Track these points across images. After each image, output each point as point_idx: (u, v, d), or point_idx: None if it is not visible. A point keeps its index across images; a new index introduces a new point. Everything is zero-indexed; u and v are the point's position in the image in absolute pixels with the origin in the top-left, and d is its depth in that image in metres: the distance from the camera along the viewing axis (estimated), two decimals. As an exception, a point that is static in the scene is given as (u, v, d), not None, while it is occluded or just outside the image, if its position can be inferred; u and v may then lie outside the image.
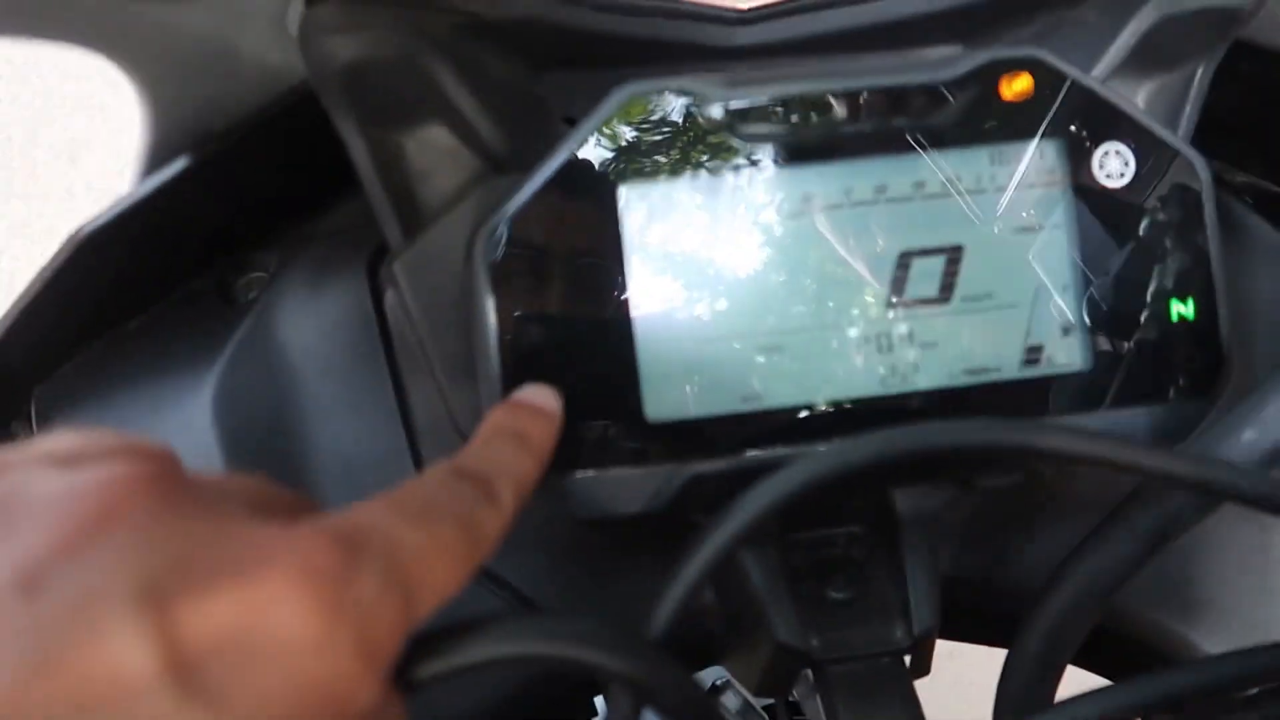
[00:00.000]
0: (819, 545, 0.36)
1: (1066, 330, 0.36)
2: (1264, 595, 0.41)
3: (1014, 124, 0.36)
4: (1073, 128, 0.36)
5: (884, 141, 0.35)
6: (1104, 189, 0.36)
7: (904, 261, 0.36)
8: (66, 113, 1.65)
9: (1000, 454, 0.31)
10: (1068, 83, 0.36)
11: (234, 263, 0.43)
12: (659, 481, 0.34)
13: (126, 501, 0.21)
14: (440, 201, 0.38)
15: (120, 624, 0.19)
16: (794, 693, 0.63)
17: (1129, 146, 0.36)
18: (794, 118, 0.35)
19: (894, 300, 0.35)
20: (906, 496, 0.36)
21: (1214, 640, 0.40)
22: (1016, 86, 0.36)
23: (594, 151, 0.35)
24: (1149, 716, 0.32)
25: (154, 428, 0.40)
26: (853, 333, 0.35)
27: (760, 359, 0.35)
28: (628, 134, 0.35)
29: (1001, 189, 0.36)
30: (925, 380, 0.35)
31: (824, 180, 0.35)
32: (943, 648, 0.37)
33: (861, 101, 0.35)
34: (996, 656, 0.36)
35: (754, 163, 0.35)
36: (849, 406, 0.35)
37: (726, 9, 0.41)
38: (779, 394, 0.35)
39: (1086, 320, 0.36)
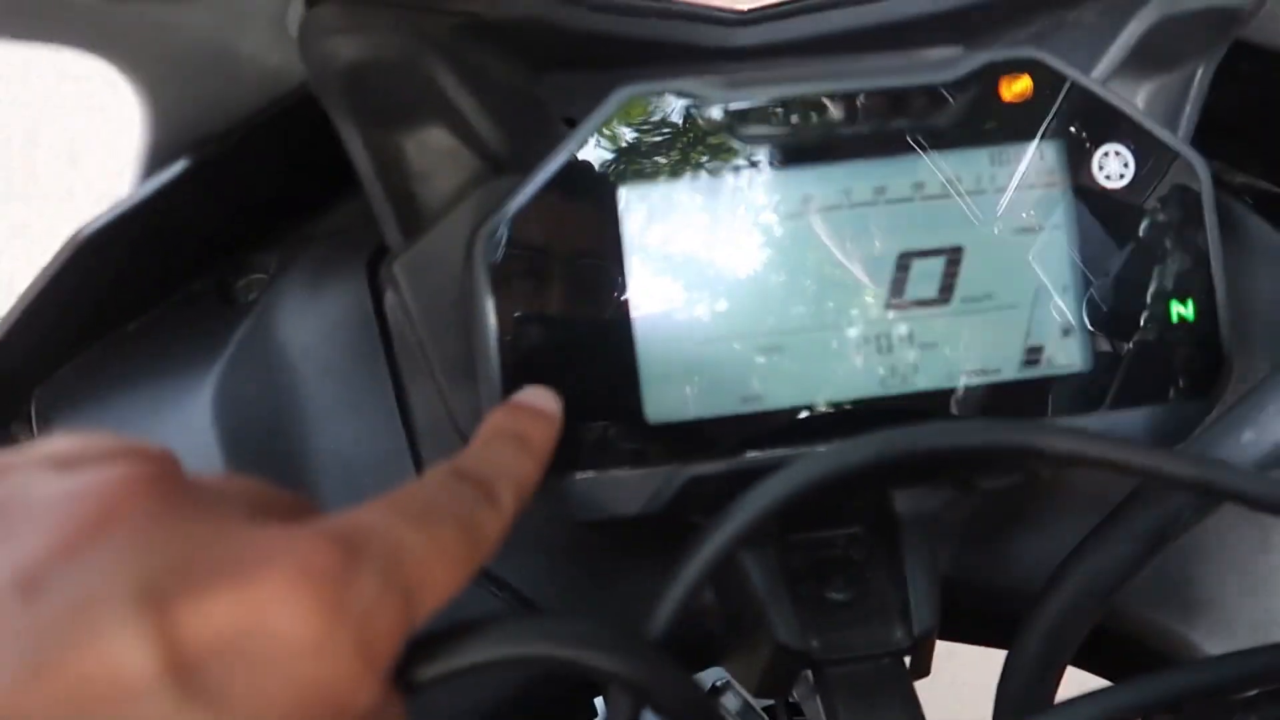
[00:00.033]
0: (819, 546, 0.36)
1: (1066, 331, 0.36)
2: (1264, 596, 0.41)
3: (1014, 125, 0.36)
4: (1072, 129, 0.36)
5: (884, 143, 0.35)
6: (1104, 190, 0.36)
7: (904, 262, 0.36)
8: (66, 114, 1.65)
9: (1000, 455, 0.31)
10: (1067, 84, 0.36)
11: (234, 264, 0.43)
12: (658, 482, 0.34)
13: (126, 503, 0.21)
14: (440, 202, 0.38)
15: (120, 626, 0.19)
16: (794, 693, 0.63)
17: (1129, 147, 0.36)
18: (794, 119, 0.35)
19: (894, 301, 0.35)
20: (906, 497, 0.36)
21: (1213, 641, 0.40)
22: (1016, 87, 0.36)
23: (594, 152, 0.35)
24: (1149, 717, 0.32)
25: (154, 429, 0.40)
26: (852, 334, 0.35)
27: (760, 360, 0.35)
28: (628, 135, 0.35)
29: (1001, 190, 0.36)
30: (925, 381, 0.35)
31: (824, 181, 0.35)
32: (942, 648, 0.37)
33: (861, 103, 0.35)
34: (996, 657, 0.36)
35: (754, 164, 0.35)
36: (849, 407, 0.35)
37: (726, 10, 0.41)
38: (779, 395, 0.35)
39: (1086, 321, 0.36)
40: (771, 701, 0.62)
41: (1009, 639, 0.35)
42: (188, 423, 0.39)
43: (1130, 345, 0.36)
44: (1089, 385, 0.36)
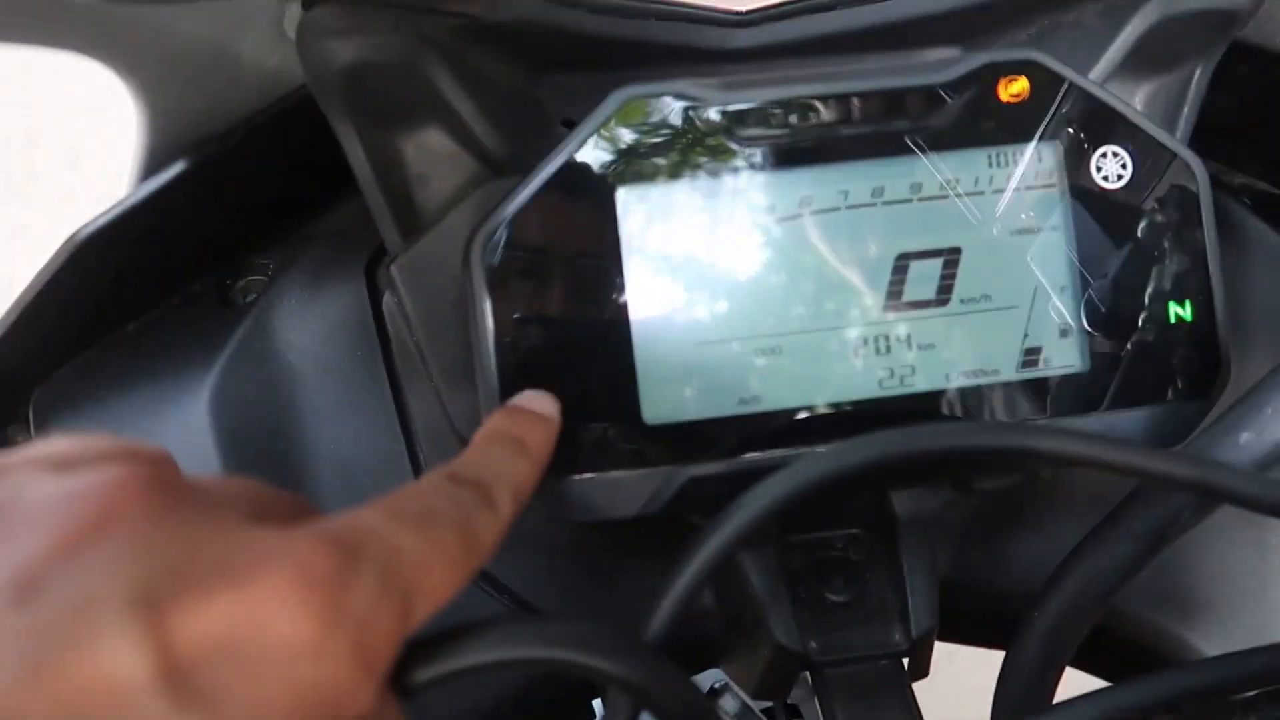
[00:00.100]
0: (817, 547, 0.36)
1: (1064, 332, 0.36)
2: (1262, 597, 0.41)
3: (1012, 126, 0.36)
4: (1070, 130, 0.36)
5: (881, 144, 0.35)
6: (1102, 191, 0.36)
7: (901, 264, 0.36)
8: (66, 114, 1.65)
9: (998, 456, 0.31)
10: (1065, 85, 0.36)
11: (232, 265, 0.43)
12: (657, 484, 0.34)
13: (122, 506, 0.21)
14: (438, 204, 0.38)
15: (114, 629, 0.19)
16: (792, 695, 0.63)
17: (1126, 148, 0.36)
18: (792, 120, 0.35)
19: (891, 302, 0.35)
20: (905, 498, 0.36)
21: (1212, 642, 0.41)
22: (1014, 88, 0.36)
23: (592, 154, 0.35)
24: (1148, 718, 0.32)
25: (152, 430, 0.40)
26: (851, 335, 0.35)
27: (758, 361, 0.35)
28: (626, 137, 0.35)
29: (999, 191, 0.36)
30: (923, 382, 0.35)
31: (822, 183, 0.35)
32: (942, 649, 0.37)
33: (859, 104, 0.35)
34: (994, 658, 0.36)
35: (752, 165, 0.35)
36: (847, 409, 0.35)
37: (724, 12, 0.41)
38: (777, 396, 0.35)
39: (1084, 322, 0.36)
40: (770, 703, 0.62)
41: (1008, 640, 0.35)
42: (186, 424, 0.39)
43: (1128, 346, 0.36)
44: (1087, 386, 0.36)
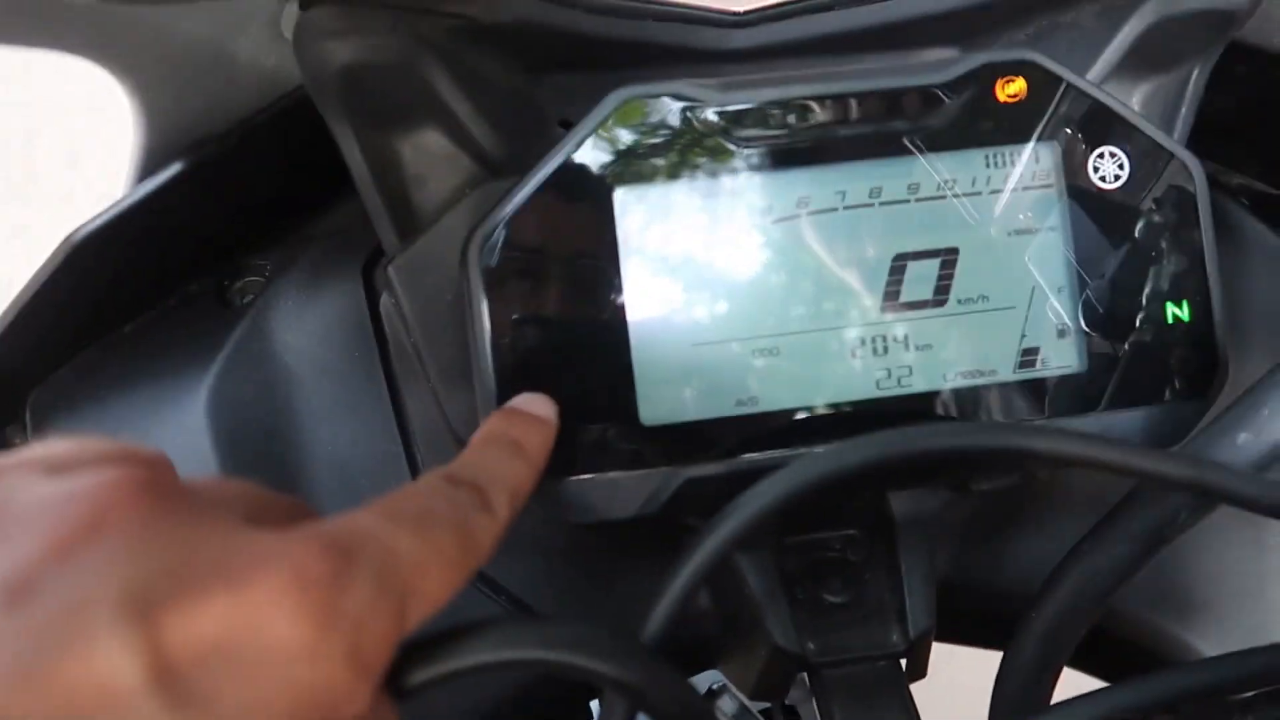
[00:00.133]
0: (815, 548, 0.36)
1: (1062, 332, 0.36)
2: (1260, 597, 0.41)
3: (1009, 126, 0.36)
4: (1068, 130, 0.36)
5: (879, 144, 0.35)
6: (1099, 191, 0.36)
7: (899, 264, 0.36)
8: (66, 114, 1.65)
9: (995, 456, 0.31)
10: (1063, 85, 0.36)
11: (230, 266, 0.43)
12: (655, 485, 0.34)
13: (118, 508, 0.21)
14: (436, 205, 0.38)
15: (107, 632, 0.19)
16: (790, 696, 0.63)
17: (1124, 149, 0.36)
18: (789, 121, 0.35)
19: (889, 303, 0.35)
20: (902, 499, 0.36)
21: (1210, 642, 0.40)
22: (1012, 89, 0.36)
23: (590, 155, 0.35)
24: (1145, 718, 0.32)
25: (149, 432, 0.39)
26: (848, 335, 0.35)
27: (756, 362, 0.35)
28: (623, 137, 0.35)
29: (997, 191, 0.36)
30: (921, 383, 0.35)
31: (819, 183, 0.35)
32: (940, 650, 0.37)
33: (856, 104, 0.35)
34: (992, 659, 0.36)
35: (750, 166, 0.35)
36: (845, 409, 0.35)
37: (722, 12, 0.40)
38: (775, 397, 0.35)
39: (1082, 322, 0.36)
40: (768, 705, 0.62)
41: (1005, 640, 0.35)
42: (183, 424, 0.39)
43: (1126, 346, 0.36)
44: (1085, 386, 0.36)
